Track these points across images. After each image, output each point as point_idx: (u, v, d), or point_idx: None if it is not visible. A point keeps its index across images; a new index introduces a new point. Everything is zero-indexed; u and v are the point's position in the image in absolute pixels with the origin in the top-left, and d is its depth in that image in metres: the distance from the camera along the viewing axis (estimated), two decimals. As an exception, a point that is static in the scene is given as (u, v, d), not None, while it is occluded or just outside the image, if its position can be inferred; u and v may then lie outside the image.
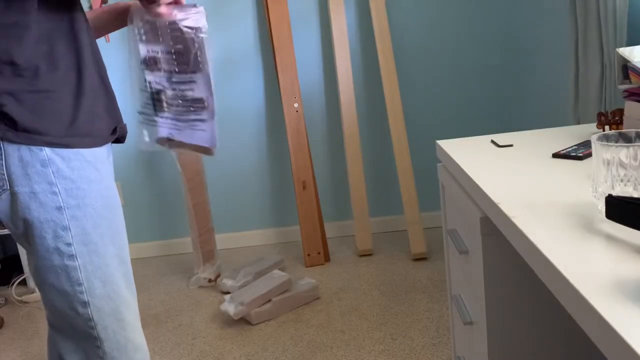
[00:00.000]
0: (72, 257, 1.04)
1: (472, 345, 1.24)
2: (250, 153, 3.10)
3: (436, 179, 3.11)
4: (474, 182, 1.05)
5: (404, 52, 2.99)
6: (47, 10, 1.02)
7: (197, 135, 1.22)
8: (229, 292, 2.55)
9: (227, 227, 3.15)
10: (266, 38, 2.97)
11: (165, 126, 1.21)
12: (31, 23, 1.00)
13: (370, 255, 2.87)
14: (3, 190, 1.01)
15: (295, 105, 2.83)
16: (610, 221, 0.76)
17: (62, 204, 1.03)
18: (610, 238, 0.72)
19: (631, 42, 1.79)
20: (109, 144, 1.14)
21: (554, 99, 2.54)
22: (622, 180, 0.76)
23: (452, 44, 2.99)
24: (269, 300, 2.34)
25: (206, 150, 1.24)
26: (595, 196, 0.81)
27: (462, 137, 1.61)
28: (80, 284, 1.06)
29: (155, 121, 1.21)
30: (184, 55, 1.18)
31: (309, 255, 2.82)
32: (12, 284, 2.87)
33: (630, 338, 0.50)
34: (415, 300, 2.36)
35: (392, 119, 2.81)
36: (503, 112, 3.04)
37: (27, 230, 1.04)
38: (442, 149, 1.34)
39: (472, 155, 1.24)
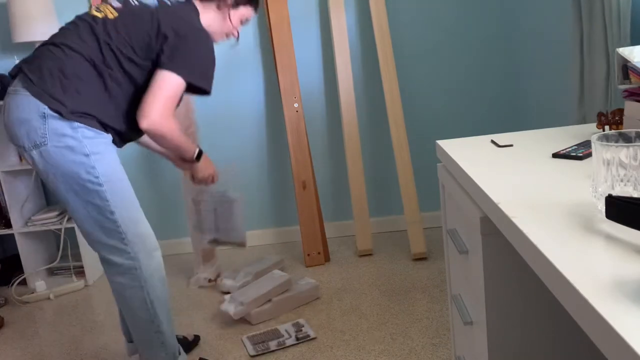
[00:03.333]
0: (100, 184, 1.62)
1: (472, 345, 1.24)
2: (250, 153, 3.10)
3: (436, 179, 3.13)
4: (474, 182, 1.05)
5: (404, 52, 2.99)
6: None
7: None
8: (229, 292, 2.56)
9: (227, 227, 3.15)
10: (266, 38, 2.97)
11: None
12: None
13: (370, 255, 2.87)
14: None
15: (295, 105, 2.83)
16: (610, 221, 0.75)
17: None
18: (610, 238, 0.72)
19: (635, 41, 1.79)
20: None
21: (555, 98, 2.54)
22: (622, 180, 0.76)
23: (453, 43, 2.99)
24: (269, 300, 2.34)
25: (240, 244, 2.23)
26: (595, 196, 0.80)
27: (462, 137, 1.61)
28: (107, 200, 1.62)
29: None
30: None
31: (309, 255, 2.82)
32: (12, 284, 2.87)
33: (630, 338, 0.50)
34: (415, 300, 2.36)
35: (392, 119, 2.80)
36: (503, 112, 3.04)
37: None
38: (442, 149, 1.34)
39: (472, 155, 1.24)
